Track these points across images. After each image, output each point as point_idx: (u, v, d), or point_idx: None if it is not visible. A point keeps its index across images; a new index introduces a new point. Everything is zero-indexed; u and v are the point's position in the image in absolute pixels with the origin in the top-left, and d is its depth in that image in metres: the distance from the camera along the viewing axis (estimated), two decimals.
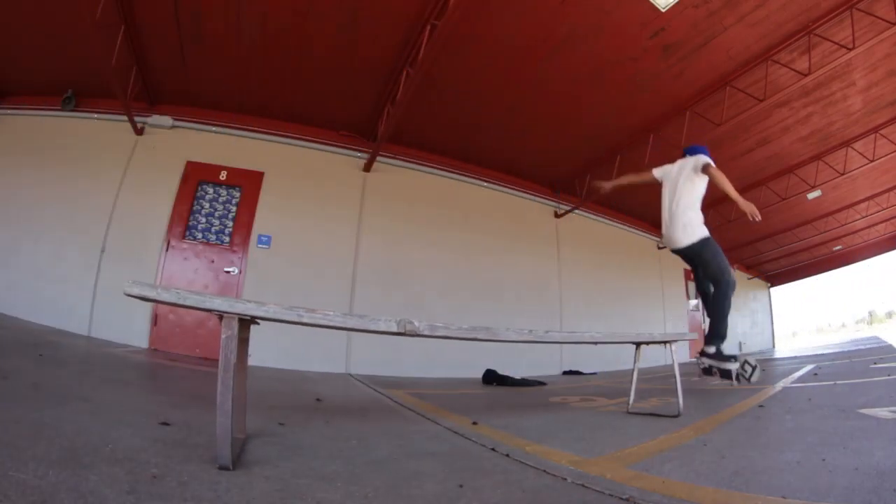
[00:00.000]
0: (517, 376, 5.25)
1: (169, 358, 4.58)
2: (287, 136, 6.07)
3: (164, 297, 1.37)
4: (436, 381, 5.16)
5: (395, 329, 1.67)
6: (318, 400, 3.07)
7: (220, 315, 1.39)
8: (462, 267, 6.74)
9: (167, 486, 1.11)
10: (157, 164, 5.52)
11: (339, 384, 4.36)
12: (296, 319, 1.51)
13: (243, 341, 1.64)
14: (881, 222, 10.99)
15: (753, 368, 3.52)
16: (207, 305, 1.39)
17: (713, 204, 8.92)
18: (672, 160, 3.93)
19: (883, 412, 2.12)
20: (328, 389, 3.88)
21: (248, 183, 5.76)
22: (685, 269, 10.91)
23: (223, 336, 1.37)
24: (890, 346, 8.20)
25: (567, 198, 8.12)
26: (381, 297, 5.94)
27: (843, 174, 7.20)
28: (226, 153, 5.77)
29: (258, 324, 1.55)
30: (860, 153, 6.81)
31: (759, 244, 11.90)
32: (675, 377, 2.56)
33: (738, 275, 13.74)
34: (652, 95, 5.46)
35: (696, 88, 5.34)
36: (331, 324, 1.58)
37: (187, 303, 1.39)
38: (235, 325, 1.39)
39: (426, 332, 1.75)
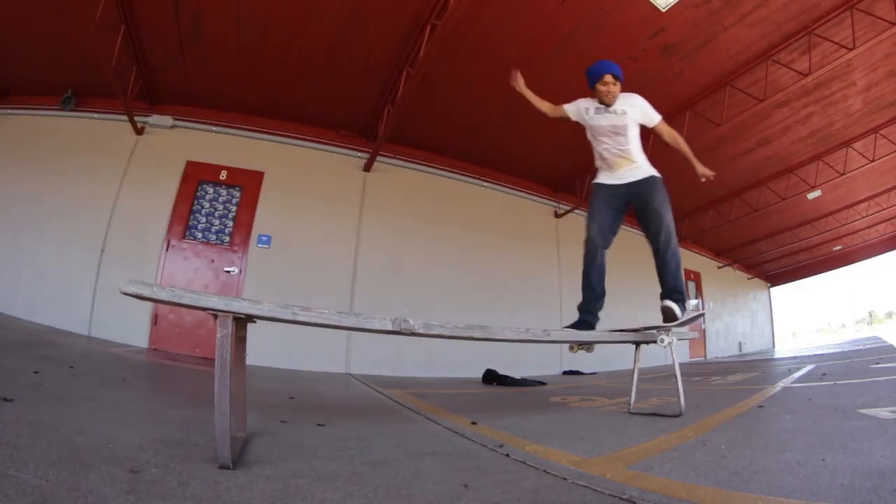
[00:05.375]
0: (517, 376, 5.25)
1: (169, 357, 4.58)
2: (287, 136, 6.07)
3: (160, 295, 1.37)
4: (436, 380, 5.16)
5: (390, 328, 1.67)
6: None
7: (215, 314, 1.39)
8: (462, 267, 6.74)
9: (167, 486, 1.11)
10: (157, 164, 5.52)
11: (339, 384, 4.36)
12: (290, 318, 1.51)
13: (241, 340, 1.63)
14: (881, 222, 10.99)
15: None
16: (202, 304, 1.39)
17: (712, 203, 8.95)
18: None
19: (883, 412, 2.12)
20: (328, 389, 3.88)
21: (248, 183, 5.76)
22: (685, 269, 10.92)
23: (219, 335, 1.37)
24: (890, 346, 8.20)
25: (567, 198, 8.12)
26: (381, 297, 5.94)
27: (843, 174, 7.20)
28: (226, 153, 5.77)
29: (255, 322, 1.55)
30: (860, 153, 6.81)
31: (759, 244, 11.90)
32: (675, 377, 2.56)
33: (738, 275, 13.76)
34: (652, 95, 5.37)
35: (696, 88, 5.34)
36: (326, 322, 1.58)
37: (182, 301, 1.39)
38: (231, 323, 1.39)
39: (421, 331, 1.75)
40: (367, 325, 1.64)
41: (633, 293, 9.05)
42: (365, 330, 1.67)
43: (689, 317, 2.78)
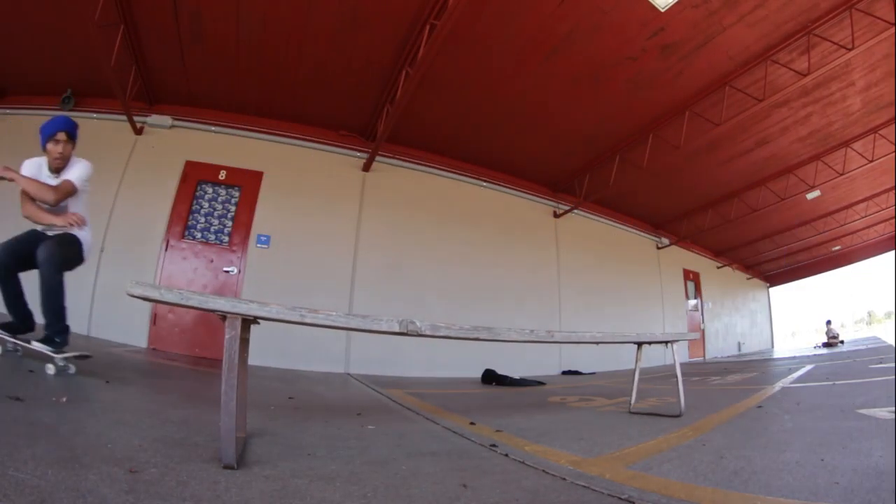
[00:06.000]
0: (516, 376, 5.26)
1: (168, 357, 4.57)
2: (286, 136, 6.06)
3: (168, 297, 1.37)
4: (435, 380, 5.16)
5: (397, 329, 1.67)
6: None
7: (224, 315, 1.39)
8: (461, 267, 6.74)
9: (167, 486, 1.11)
10: (156, 164, 5.51)
11: (338, 384, 4.36)
12: (298, 320, 1.51)
13: (244, 341, 1.63)
14: (880, 222, 11.00)
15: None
16: (211, 306, 1.39)
17: (711, 203, 8.95)
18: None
19: (882, 412, 2.13)
20: (328, 389, 3.88)
21: (247, 182, 5.76)
22: (685, 269, 10.93)
23: (227, 336, 1.37)
24: (889, 346, 8.20)
25: (566, 198, 8.12)
26: (380, 297, 5.94)
27: (842, 174, 7.20)
28: (225, 153, 5.76)
29: (258, 323, 1.55)
30: (859, 153, 6.81)
31: (758, 244, 11.90)
32: (675, 377, 2.56)
33: (737, 275, 13.77)
34: (651, 95, 5.46)
35: (695, 88, 5.33)
36: (333, 324, 1.58)
37: (190, 303, 1.39)
38: (239, 325, 1.39)
39: (428, 332, 1.75)
40: (374, 326, 1.64)
41: (632, 294, 9.07)
42: (372, 331, 1.67)
43: None
